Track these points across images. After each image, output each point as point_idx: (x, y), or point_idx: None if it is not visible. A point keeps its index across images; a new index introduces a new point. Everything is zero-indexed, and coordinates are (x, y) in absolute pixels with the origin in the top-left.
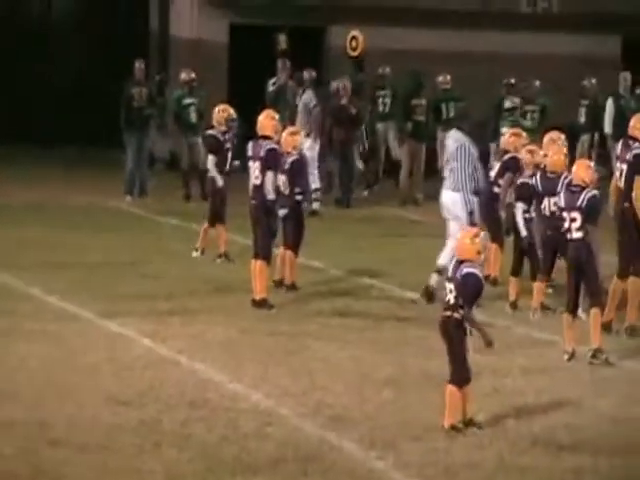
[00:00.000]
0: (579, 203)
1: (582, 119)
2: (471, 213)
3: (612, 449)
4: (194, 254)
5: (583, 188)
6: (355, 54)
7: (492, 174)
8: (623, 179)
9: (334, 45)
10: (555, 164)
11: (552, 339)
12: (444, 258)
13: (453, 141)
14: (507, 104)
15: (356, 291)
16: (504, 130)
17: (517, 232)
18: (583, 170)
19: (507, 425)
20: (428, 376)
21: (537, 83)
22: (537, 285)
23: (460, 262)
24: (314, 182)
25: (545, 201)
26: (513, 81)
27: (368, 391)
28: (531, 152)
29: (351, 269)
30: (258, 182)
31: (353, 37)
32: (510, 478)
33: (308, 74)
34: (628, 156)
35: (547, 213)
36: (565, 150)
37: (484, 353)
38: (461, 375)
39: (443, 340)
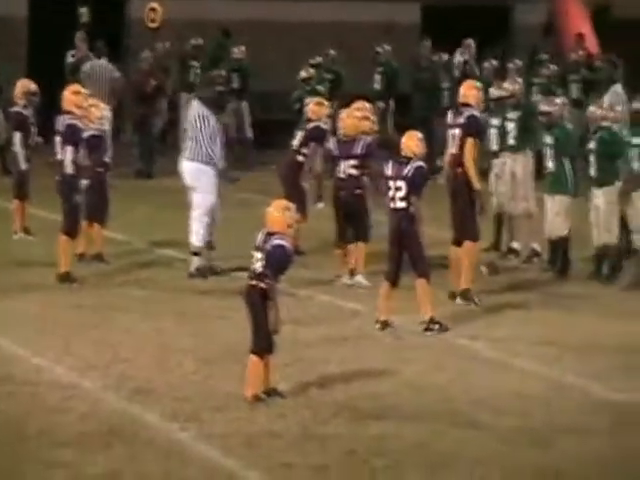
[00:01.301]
0: (405, 173)
1: (377, 85)
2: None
3: (416, 415)
4: (15, 237)
5: (410, 159)
6: (154, 25)
7: (295, 142)
8: (456, 143)
9: (135, 17)
10: (348, 127)
11: (355, 308)
12: (196, 239)
13: (193, 110)
14: (303, 74)
15: (159, 263)
16: (307, 100)
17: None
18: (413, 141)
19: (310, 394)
20: (230, 347)
21: (332, 52)
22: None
23: (270, 233)
24: None
25: (341, 164)
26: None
27: (171, 363)
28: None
29: (155, 241)
30: (60, 157)
31: (152, 8)
32: (313, 446)
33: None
34: (461, 119)
35: (343, 176)
36: (360, 114)
37: (286, 322)
38: (264, 344)
39: (247, 308)
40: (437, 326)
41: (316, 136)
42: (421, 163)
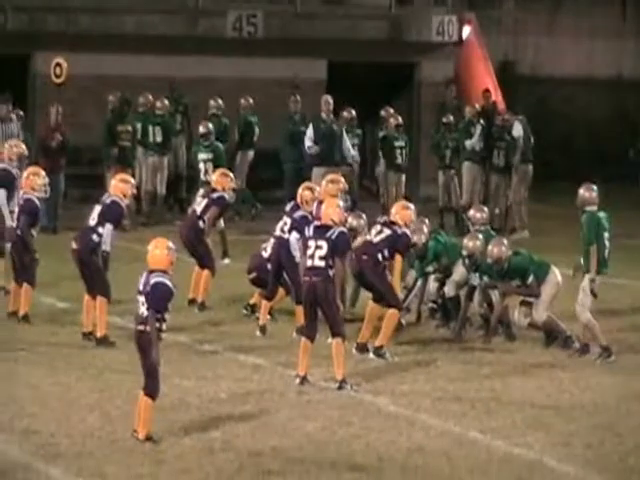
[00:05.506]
0: (328, 235)
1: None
2: None
3: (319, 470)
4: None
5: (330, 227)
6: (59, 81)
7: (198, 209)
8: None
9: (40, 72)
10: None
11: (258, 363)
12: None
13: None
14: (201, 129)
15: (64, 318)
16: (201, 156)
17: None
18: (332, 209)
19: (214, 450)
20: (134, 401)
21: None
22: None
23: (150, 272)
24: None
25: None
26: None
27: (74, 418)
28: (310, 189)
29: (60, 296)
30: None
31: (57, 64)
32: None
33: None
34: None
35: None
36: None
37: (191, 378)
38: (156, 386)
39: (138, 353)
40: (349, 385)
41: (221, 206)
42: (344, 229)
